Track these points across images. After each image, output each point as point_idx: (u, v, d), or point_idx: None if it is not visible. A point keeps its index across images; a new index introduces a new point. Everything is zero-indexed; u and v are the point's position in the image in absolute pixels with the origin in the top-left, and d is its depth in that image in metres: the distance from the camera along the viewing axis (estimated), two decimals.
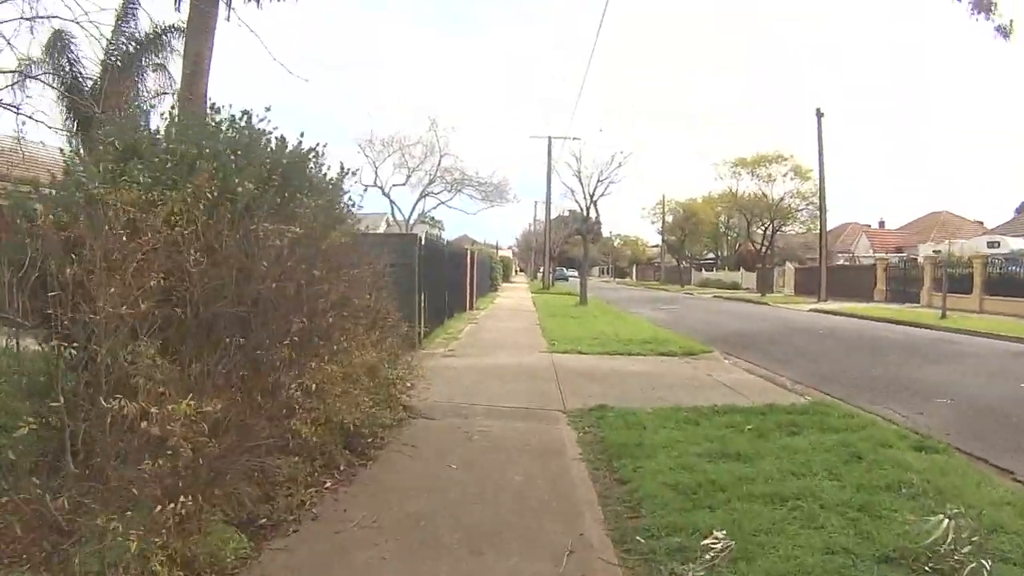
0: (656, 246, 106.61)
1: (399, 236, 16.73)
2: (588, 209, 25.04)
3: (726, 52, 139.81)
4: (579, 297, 25.32)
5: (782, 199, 41.36)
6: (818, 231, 50.36)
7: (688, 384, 9.78)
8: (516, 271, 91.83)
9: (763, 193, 41.97)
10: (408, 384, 7.85)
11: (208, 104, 5.65)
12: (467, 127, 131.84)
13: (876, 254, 51.90)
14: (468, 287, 21.59)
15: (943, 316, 21.90)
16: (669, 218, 67.05)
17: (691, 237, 65.66)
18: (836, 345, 15.75)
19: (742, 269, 62.79)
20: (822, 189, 37.35)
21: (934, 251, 32.97)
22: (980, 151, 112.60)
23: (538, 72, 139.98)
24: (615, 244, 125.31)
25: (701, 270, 71.32)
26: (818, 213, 41.63)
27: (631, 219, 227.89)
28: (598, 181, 24.68)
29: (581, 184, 24.81)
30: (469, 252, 22.17)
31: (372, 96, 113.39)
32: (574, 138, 30.81)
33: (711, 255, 75.55)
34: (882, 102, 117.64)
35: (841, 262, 50.84)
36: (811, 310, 28.21)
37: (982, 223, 54.74)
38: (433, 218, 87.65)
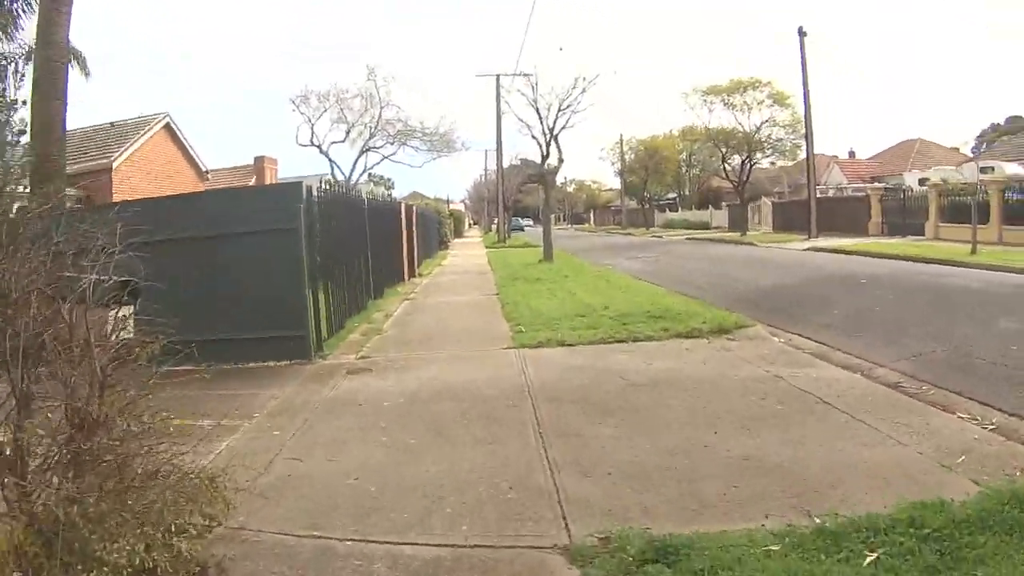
0: (611, 189, 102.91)
1: (261, 191, 11.86)
2: (547, 146, 20.65)
3: None
4: (542, 252, 20.91)
5: (759, 129, 37.19)
6: (791, 164, 47.59)
7: (762, 406, 5.66)
8: (469, 225, 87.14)
9: (738, 123, 37.74)
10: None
11: None
12: (408, 75, 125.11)
13: (851, 184, 48.97)
14: (407, 252, 17.16)
15: (973, 251, 18.26)
16: (630, 156, 62.74)
17: (654, 176, 61.50)
18: (899, 300, 11.72)
19: (711, 208, 59.25)
20: (808, 114, 33.30)
21: (942, 179, 29.41)
22: (939, 76, 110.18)
23: (483, 13, 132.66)
24: (569, 190, 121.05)
25: (666, 211, 67.53)
26: (800, 143, 37.92)
27: (585, 163, 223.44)
28: (559, 111, 20.28)
29: (539, 116, 20.40)
30: (404, 207, 17.66)
31: (305, 51, 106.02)
32: (525, 74, 26.59)
33: (672, 195, 71.76)
34: (838, 28, 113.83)
35: (826, 194, 47.50)
36: (808, 249, 24.61)
37: (958, 149, 52.21)
38: (382, 176, 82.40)
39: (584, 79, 20.00)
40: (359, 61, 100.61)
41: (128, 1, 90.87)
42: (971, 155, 51.33)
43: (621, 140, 66.53)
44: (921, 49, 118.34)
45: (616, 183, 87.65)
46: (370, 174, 79.29)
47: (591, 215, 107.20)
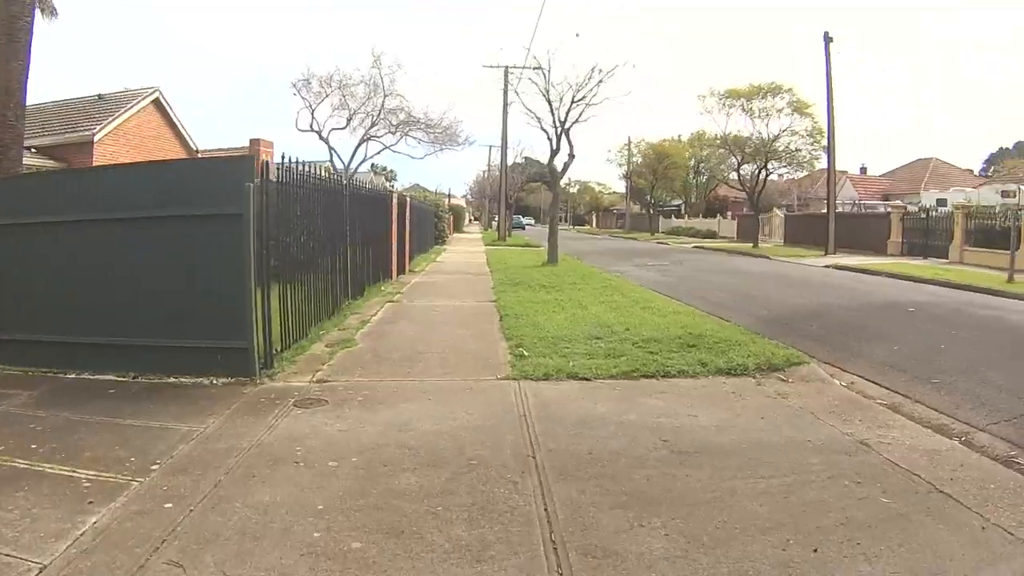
0: (614, 192, 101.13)
1: (195, 164, 9.64)
2: (558, 140, 18.80)
3: None
4: (547, 254, 19.11)
5: (778, 137, 35.38)
6: (802, 175, 45.89)
7: (863, 499, 4.09)
8: (469, 220, 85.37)
9: (756, 130, 35.95)
10: None
11: None
12: (414, 64, 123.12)
13: (863, 201, 47.43)
14: (396, 247, 15.38)
15: (1010, 279, 16.63)
16: (638, 160, 61.01)
17: (662, 182, 59.73)
18: (960, 336, 9.93)
19: (719, 216, 57.59)
20: (831, 124, 31.51)
21: (965, 199, 27.75)
22: (947, 97, 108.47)
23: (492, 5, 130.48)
24: (572, 190, 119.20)
25: (672, 217, 65.80)
26: (819, 154, 36.21)
27: (589, 164, 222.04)
28: (572, 102, 18.46)
29: (550, 107, 18.55)
30: (396, 198, 15.83)
31: (309, 38, 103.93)
32: (536, 67, 24.89)
33: (678, 201, 69.98)
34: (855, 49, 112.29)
35: (841, 209, 45.94)
36: (829, 266, 22.92)
37: (972, 171, 50.68)
38: (384, 168, 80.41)
39: (600, 70, 18.25)
40: (364, 47, 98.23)
41: None
42: (980, 177, 50.03)
43: (629, 142, 64.96)
44: (931, 69, 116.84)
45: (621, 186, 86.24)
46: (372, 164, 77.65)
47: (593, 217, 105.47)
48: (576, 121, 18.77)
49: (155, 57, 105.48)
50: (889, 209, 33.28)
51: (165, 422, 5.26)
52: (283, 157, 7.47)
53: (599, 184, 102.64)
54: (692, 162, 62.65)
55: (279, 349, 6.96)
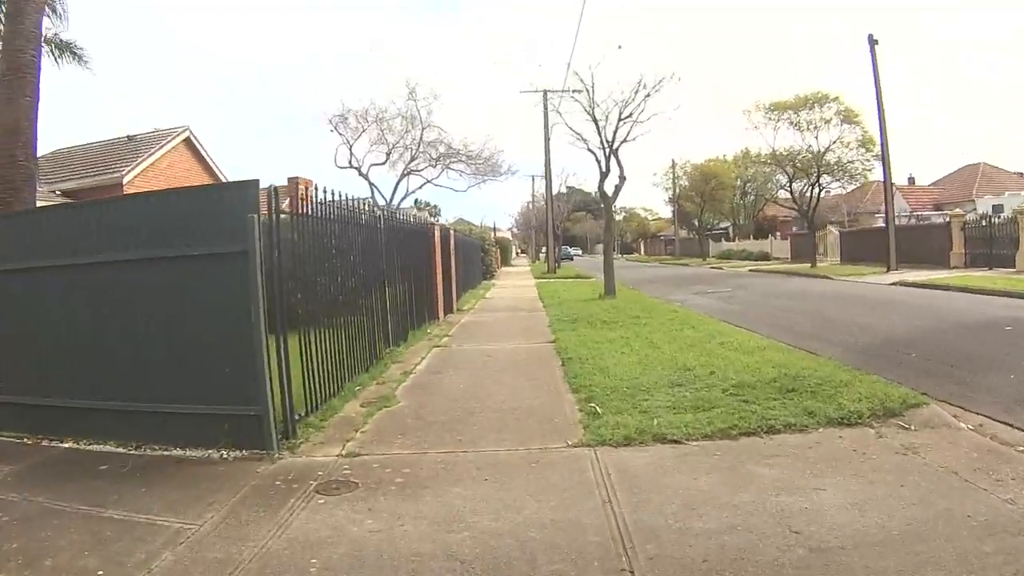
0: (660, 218, 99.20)
1: (183, 194, 7.46)
2: (607, 161, 17.58)
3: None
4: (603, 285, 17.83)
5: (828, 149, 33.66)
6: (850, 190, 43.78)
7: None
8: (516, 253, 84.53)
9: (805, 144, 34.30)
10: None
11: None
12: (450, 94, 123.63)
13: (915, 212, 45.38)
14: (442, 284, 14.32)
15: None
16: (684, 183, 59.49)
17: (710, 204, 58.01)
18: None
19: (771, 237, 55.65)
20: (883, 131, 29.79)
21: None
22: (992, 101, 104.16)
23: (523, 42, 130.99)
24: (618, 218, 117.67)
25: (721, 240, 63.92)
26: (872, 164, 34.34)
27: (631, 189, 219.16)
28: (619, 120, 17.30)
29: (596, 126, 17.35)
30: (439, 231, 14.75)
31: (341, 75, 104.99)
32: (575, 91, 23.96)
33: (725, 223, 68.01)
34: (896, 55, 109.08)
35: (902, 222, 43.88)
36: (895, 283, 21.37)
37: (1021, 173, 47.99)
38: (428, 203, 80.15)
39: (645, 86, 17.07)
40: (397, 80, 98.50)
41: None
42: None
43: (674, 165, 63.50)
44: (931, 69, 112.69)
45: (666, 211, 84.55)
46: (416, 200, 77.39)
47: (641, 244, 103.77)
48: (624, 140, 17.59)
49: (190, 106, 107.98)
50: (947, 219, 31.29)
51: (155, 515, 4.21)
52: (324, 191, 6.45)
53: (645, 209, 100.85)
54: (738, 182, 60.96)
55: (303, 413, 5.84)
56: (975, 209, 34.87)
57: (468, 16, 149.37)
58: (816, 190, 34.64)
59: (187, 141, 23.46)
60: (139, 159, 20.25)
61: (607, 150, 17.56)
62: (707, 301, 18.11)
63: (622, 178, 17.54)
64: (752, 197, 64.14)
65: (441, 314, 13.99)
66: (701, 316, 13.39)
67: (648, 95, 17.03)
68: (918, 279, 21.37)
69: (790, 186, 36.00)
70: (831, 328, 11.88)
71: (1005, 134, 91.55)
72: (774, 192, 60.61)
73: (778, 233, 59.50)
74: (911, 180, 55.48)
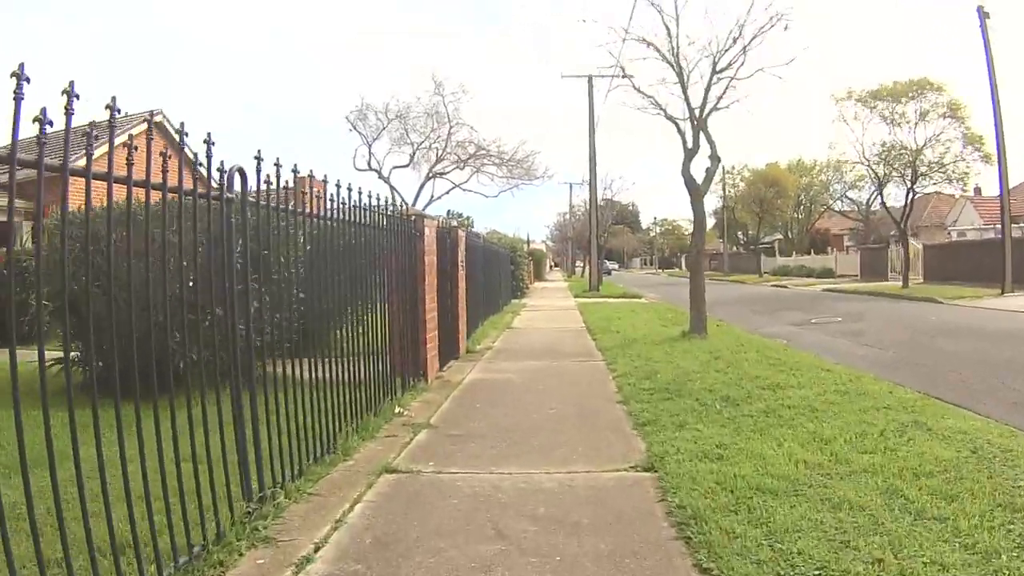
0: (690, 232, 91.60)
1: None
2: (695, 135, 11.91)
3: None
4: (690, 318, 11.98)
5: (927, 145, 27.62)
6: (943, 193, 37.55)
7: None
8: (550, 267, 78.79)
9: (897, 140, 28.29)
10: None
11: None
12: (485, 100, 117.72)
13: (988, 226, 39.33)
14: (438, 316, 8.87)
15: None
16: (739, 188, 53.46)
17: (768, 215, 51.92)
18: None
19: (833, 251, 49.52)
20: (999, 124, 23.83)
21: None
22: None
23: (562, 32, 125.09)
24: (652, 234, 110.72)
25: (774, 255, 57.62)
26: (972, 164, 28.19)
27: (669, 201, 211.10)
28: (713, 74, 11.73)
29: (680, 78, 11.74)
30: (435, 232, 8.97)
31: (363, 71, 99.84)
32: (624, 75, 18.61)
33: (773, 236, 61.66)
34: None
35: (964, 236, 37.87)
36: None
37: None
38: (461, 214, 74.11)
39: (742, 25, 11.49)
40: (423, 72, 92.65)
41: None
42: None
43: (723, 172, 57.59)
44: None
45: (710, 222, 77.77)
46: (448, 211, 71.54)
47: (683, 259, 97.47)
48: (716, 107, 11.98)
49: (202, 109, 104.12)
50: None
51: None
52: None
53: (690, 221, 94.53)
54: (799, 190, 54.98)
55: None
56: None
57: (506, 21, 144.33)
58: (911, 194, 28.60)
59: (158, 126, 19.18)
60: (95, 147, 15.52)
61: (693, 119, 11.99)
62: (828, 339, 12.46)
63: (715, 158, 11.87)
64: (806, 207, 58.11)
65: (433, 368, 8.48)
66: (871, 379, 7.69)
67: (755, 36, 11.46)
68: None
69: (880, 190, 29.97)
70: None
71: None
72: (830, 201, 54.75)
73: (831, 248, 53.60)
74: (977, 191, 48.81)
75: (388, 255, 6.73)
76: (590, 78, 30.82)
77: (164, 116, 20.70)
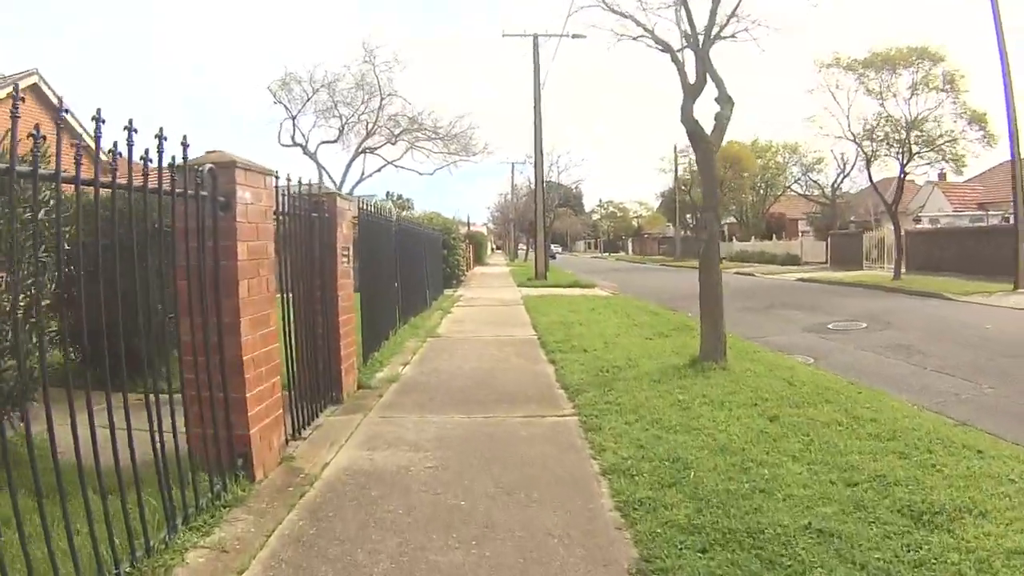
0: (639, 216, 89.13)
1: None
2: (699, 69, 8.19)
3: None
4: (701, 334, 7.85)
5: (922, 120, 24.46)
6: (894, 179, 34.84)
7: None
8: (491, 249, 74.81)
9: (886, 114, 25.07)
10: None
11: None
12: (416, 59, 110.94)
13: (959, 213, 38.70)
14: (301, 346, 5.03)
15: None
16: (695, 166, 50.34)
17: (730, 194, 49.10)
18: None
19: (800, 237, 47.05)
20: (1011, 99, 20.76)
21: None
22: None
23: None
24: (597, 216, 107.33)
25: (732, 240, 54.87)
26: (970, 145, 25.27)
27: (615, 185, 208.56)
28: None
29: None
30: (317, 204, 5.14)
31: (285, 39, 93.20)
32: (573, 35, 15.20)
33: (726, 219, 58.97)
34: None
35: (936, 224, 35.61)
36: None
37: None
38: (400, 196, 69.29)
39: None
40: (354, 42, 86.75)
41: None
42: None
43: (675, 150, 54.86)
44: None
45: (656, 205, 74.71)
46: (388, 193, 66.78)
47: (629, 243, 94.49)
48: (721, 33, 8.27)
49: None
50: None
51: None
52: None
53: (640, 203, 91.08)
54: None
55: None
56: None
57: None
58: (902, 175, 25.56)
59: (33, 88, 17.34)
60: None
61: (695, 45, 8.20)
62: (873, 358, 9.07)
63: (726, 99, 8.04)
64: (760, 190, 55.66)
65: (271, 445, 4.52)
66: (920, 413, 4.10)
67: None
68: None
69: (868, 168, 26.83)
70: None
71: None
72: (789, 184, 52.30)
73: (784, 233, 51.29)
74: (941, 176, 46.67)
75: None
76: (535, 37, 27.09)
77: (39, 76, 17.59)
